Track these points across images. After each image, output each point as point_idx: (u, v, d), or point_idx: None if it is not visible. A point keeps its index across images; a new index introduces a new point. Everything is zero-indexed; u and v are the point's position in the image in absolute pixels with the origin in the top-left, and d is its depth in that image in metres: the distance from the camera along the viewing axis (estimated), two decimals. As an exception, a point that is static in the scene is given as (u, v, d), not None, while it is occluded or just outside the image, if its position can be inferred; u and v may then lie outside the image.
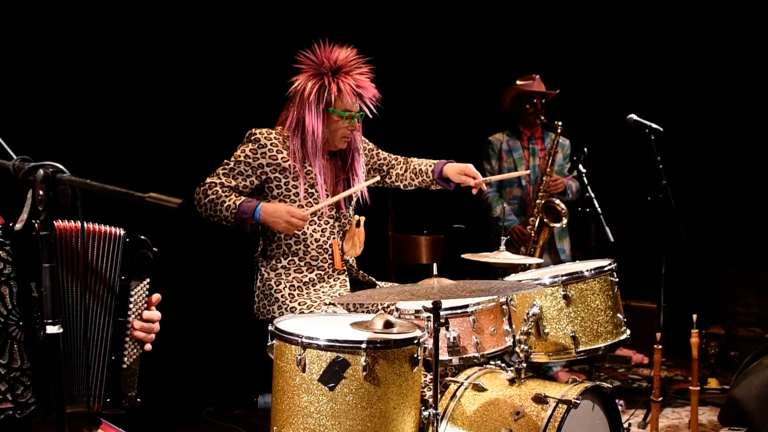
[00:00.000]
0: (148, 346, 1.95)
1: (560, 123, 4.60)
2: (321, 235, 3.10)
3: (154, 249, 1.91)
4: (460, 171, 3.27)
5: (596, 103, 5.70)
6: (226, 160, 3.05)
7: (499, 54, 5.63)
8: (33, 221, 1.67)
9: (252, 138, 3.07)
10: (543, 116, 4.66)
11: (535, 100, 4.68)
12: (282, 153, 3.05)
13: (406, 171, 3.39)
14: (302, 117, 3.04)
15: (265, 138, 3.05)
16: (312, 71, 3.05)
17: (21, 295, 1.69)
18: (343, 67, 3.03)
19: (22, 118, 3.36)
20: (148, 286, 1.92)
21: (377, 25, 5.04)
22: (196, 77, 4.31)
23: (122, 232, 1.83)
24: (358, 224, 3.18)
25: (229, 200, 2.93)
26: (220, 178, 3.00)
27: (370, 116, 3.13)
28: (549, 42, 5.78)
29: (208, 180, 3.00)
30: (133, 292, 1.88)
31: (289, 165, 3.04)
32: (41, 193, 1.50)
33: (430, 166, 3.35)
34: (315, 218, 3.08)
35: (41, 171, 1.49)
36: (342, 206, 3.16)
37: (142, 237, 1.88)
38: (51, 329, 1.49)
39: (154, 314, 1.97)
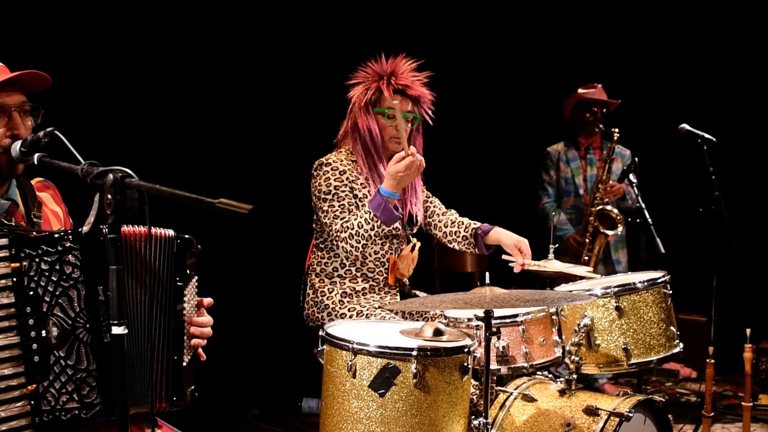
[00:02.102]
0: (201, 351, 1.99)
1: (617, 130, 4.56)
2: (380, 248, 3.10)
3: (199, 247, 1.95)
4: (517, 243, 3.04)
5: (647, 113, 5.62)
6: (327, 206, 2.97)
7: (557, 64, 5.60)
8: (100, 225, 1.72)
9: (326, 167, 3.02)
10: (602, 125, 4.62)
11: (595, 109, 4.66)
12: (359, 178, 3.04)
13: (439, 220, 3.28)
14: (355, 122, 3.07)
15: (338, 163, 3.02)
16: (366, 80, 3.09)
17: (88, 299, 1.74)
18: (395, 71, 3.05)
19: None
20: (196, 284, 1.96)
21: (434, 34, 5.05)
22: (197, 76, 4.30)
23: (172, 233, 1.87)
24: (413, 248, 3.15)
25: (360, 217, 2.86)
26: (344, 218, 2.94)
27: (429, 121, 3.11)
28: (607, 52, 5.73)
29: (337, 227, 2.91)
30: (185, 291, 1.92)
31: (365, 188, 3.03)
32: (109, 197, 1.53)
33: (471, 225, 3.18)
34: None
35: (110, 175, 1.53)
36: (401, 226, 3.12)
37: (188, 236, 1.92)
38: (116, 330, 1.52)
39: (207, 319, 2.01)
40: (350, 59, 3.20)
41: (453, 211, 3.32)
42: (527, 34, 5.59)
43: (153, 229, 1.83)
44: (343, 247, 2.89)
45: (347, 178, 3.02)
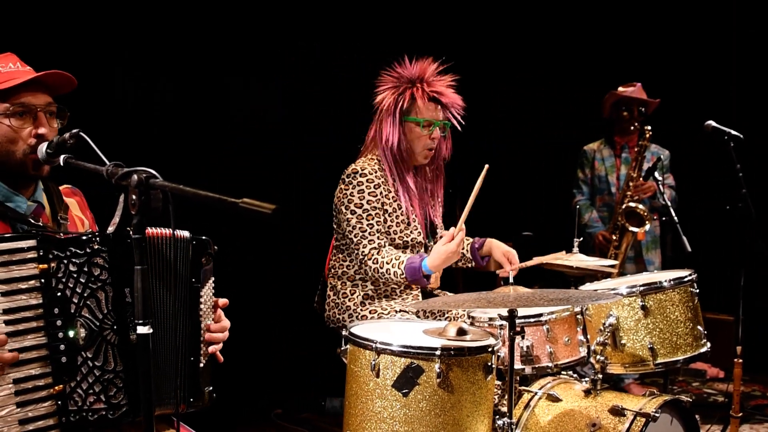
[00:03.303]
0: (219, 357, 2.00)
1: (649, 128, 4.53)
2: (402, 255, 3.08)
3: (216, 248, 1.95)
4: (506, 252, 3.07)
5: (672, 110, 5.56)
6: (355, 219, 2.95)
7: (594, 63, 5.57)
8: (125, 227, 1.73)
9: (361, 177, 2.97)
10: (638, 125, 4.61)
11: (633, 108, 4.64)
12: (392, 191, 3.01)
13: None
14: (380, 129, 3.02)
15: (373, 174, 2.98)
16: (393, 84, 3.03)
17: (115, 300, 1.76)
18: (424, 76, 2.99)
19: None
20: (213, 286, 1.97)
21: (471, 34, 5.03)
22: (196, 75, 4.28)
23: (188, 234, 1.87)
24: None
25: (393, 267, 2.88)
26: (372, 242, 2.94)
27: (459, 127, 3.07)
28: (632, 49, 5.69)
29: (365, 251, 2.93)
30: (202, 293, 1.93)
31: (395, 201, 3.00)
32: (134, 197, 1.54)
33: (470, 239, 3.22)
34: (403, 248, 3.05)
35: (135, 176, 1.54)
36: (424, 233, 3.11)
37: (204, 238, 1.92)
38: (141, 329, 1.53)
39: (223, 324, 2.01)
40: (350, 59, 3.17)
41: None
42: (527, 34, 5.56)
43: (168, 231, 1.84)
44: (365, 269, 2.96)
45: (381, 193, 2.98)
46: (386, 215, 3.00)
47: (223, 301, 2.03)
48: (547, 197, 5.51)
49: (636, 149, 4.59)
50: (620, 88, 4.71)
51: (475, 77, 5.41)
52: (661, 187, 3.84)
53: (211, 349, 1.96)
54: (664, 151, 4.72)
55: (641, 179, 4.52)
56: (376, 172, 2.99)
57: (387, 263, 2.89)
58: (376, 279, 2.99)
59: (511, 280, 2.57)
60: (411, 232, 3.04)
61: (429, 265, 2.83)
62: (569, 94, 5.58)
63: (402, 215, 3.01)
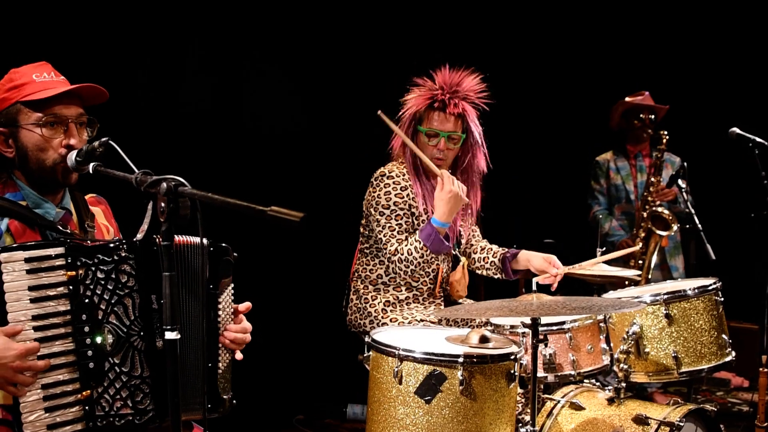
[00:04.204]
0: (239, 356, 2.01)
1: (665, 133, 4.52)
2: (432, 264, 3.08)
3: (235, 254, 1.96)
4: (546, 258, 3.06)
5: (696, 117, 5.52)
6: (383, 220, 2.97)
7: (603, 73, 5.55)
8: (152, 234, 1.75)
9: (388, 179, 3.00)
10: (651, 131, 4.63)
11: (642, 116, 4.65)
12: (418, 194, 3.02)
13: (476, 244, 3.31)
14: (398, 135, 3.03)
15: (401, 177, 3.00)
16: (419, 91, 3.03)
17: (143, 307, 1.78)
18: (450, 86, 2.99)
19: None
20: (232, 292, 1.98)
21: (476, 43, 5.03)
22: (219, 81, 4.25)
23: (207, 241, 1.88)
24: (463, 266, 3.14)
25: (411, 245, 2.89)
26: (400, 241, 2.95)
27: (479, 140, 3.05)
28: (652, 57, 5.66)
29: (391, 249, 2.93)
30: (220, 299, 1.94)
31: (422, 205, 3.01)
32: (163, 205, 1.56)
33: (502, 249, 3.22)
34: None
35: (164, 184, 1.56)
36: (452, 239, 3.11)
37: (224, 245, 1.93)
38: (169, 335, 1.55)
39: (246, 325, 2.02)
40: (376, 64, 3.17)
41: (485, 241, 3.34)
42: (526, 35, 5.54)
43: (188, 238, 1.85)
44: (393, 268, 2.96)
45: (408, 195, 3.00)
46: (414, 218, 3.02)
47: (245, 305, 2.04)
48: (564, 207, 5.47)
49: (655, 154, 4.59)
50: (628, 98, 4.73)
51: (580, 97, 5.46)
52: (684, 194, 3.82)
53: (228, 343, 1.95)
54: (675, 158, 4.73)
55: (662, 185, 4.52)
56: (403, 175, 3.02)
57: (406, 247, 2.90)
58: (405, 277, 2.98)
59: (534, 288, 2.57)
60: None
61: (438, 218, 2.85)
62: (580, 103, 5.55)
63: (427, 218, 3.02)
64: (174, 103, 3.83)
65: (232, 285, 1.97)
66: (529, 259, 3.11)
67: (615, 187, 4.74)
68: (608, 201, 4.79)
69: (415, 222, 3.02)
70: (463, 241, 3.24)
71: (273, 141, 4.20)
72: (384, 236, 2.97)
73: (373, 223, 3.02)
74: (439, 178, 2.87)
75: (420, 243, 2.87)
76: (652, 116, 4.65)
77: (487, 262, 3.24)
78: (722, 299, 2.83)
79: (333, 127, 4.46)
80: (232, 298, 1.99)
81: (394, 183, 3.00)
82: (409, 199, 3.00)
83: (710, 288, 2.80)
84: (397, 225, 2.97)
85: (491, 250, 3.25)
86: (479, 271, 3.29)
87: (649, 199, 4.53)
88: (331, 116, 4.46)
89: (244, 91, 4.24)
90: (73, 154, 1.87)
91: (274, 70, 4.31)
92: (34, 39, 3.19)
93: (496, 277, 3.25)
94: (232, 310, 1.99)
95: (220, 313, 1.94)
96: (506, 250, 3.22)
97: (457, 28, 5.02)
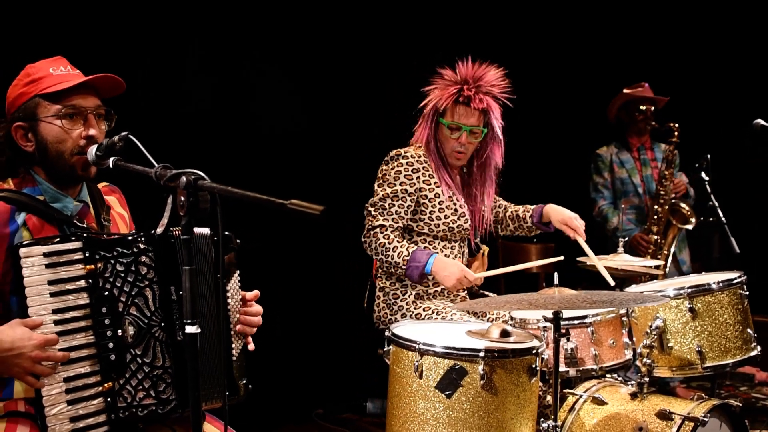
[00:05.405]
0: (251, 345, 2.02)
1: (677, 125, 4.46)
2: (450, 252, 3.07)
3: (238, 242, 1.97)
4: (563, 221, 3.13)
5: (719, 109, 5.45)
6: (382, 192, 2.97)
7: (604, 65, 5.49)
8: (172, 227, 1.76)
9: (402, 159, 3.00)
10: (654, 123, 4.57)
11: (643, 107, 4.59)
12: (434, 177, 3.01)
13: (504, 216, 3.35)
14: (420, 125, 3.04)
15: (415, 159, 2.99)
16: (443, 83, 3.02)
17: (162, 298, 1.79)
18: (473, 79, 2.97)
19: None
20: (239, 279, 1.99)
21: (476, 41, 4.99)
22: (230, 78, 4.22)
23: (209, 231, 1.88)
24: (483, 253, 3.16)
25: (402, 247, 2.90)
26: (387, 220, 2.95)
27: (500, 136, 3.05)
28: (658, 48, 5.59)
29: (376, 223, 2.95)
30: (228, 287, 1.95)
31: (438, 187, 3.01)
32: (182, 199, 1.56)
33: (528, 212, 3.27)
34: (447, 240, 3.06)
35: (183, 178, 1.55)
36: (471, 235, 3.14)
37: (226, 233, 1.94)
38: (190, 329, 1.55)
39: (256, 308, 2.04)
40: (389, 58, 3.15)
41: (510, 205, 3.39)
42: (527, 35, 5.49)
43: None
44: (368, 241, 2.96)
45: (418, 178, 2.98)
46: (427, 200, 3.00)
47: (253, 293, 2.05)
48: (563, 201, 5.43)
49: (667, 147, 4.55)
50: (627, 90, 4.67)
51: (579, 90, 5.41)
52: (708, 186, 3.77)
53: (243, 330, 1.98)
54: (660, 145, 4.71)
55: (676, 179, 4.50)
56: (418, 157, 3.01)
57: (398, 245, 2.89)
58: (372, 253, 2.99)
59: (555, 281, 2.54)
60: (458, 218, 3.04)
61: (433, 267, 2.85)
62: (580, 96, 5.50)
63: (447, 201, 3.01)
64: (174, 103, 3.83)
65: (238, 272, 1.99)
66: (550, 215, 3.19)
67: (621, 181, 4.67)
68: (613, 195, 4.71)
69: (429, 204, 3.00)
70: (487, 224, 3.23)
71: (273, 141, 4.19)
72: (375, 209, 2.98)
73: (373, 194, 3.01)
74: (475, 277, 2.88)
75: (408, 257, 2.87)
76: (653, 108, 4.59)
77: (525, 226, 3.31)
78: (747, 293, 2.79)
79: (333, 127, 4.44)
80: (239, 284, 2.00)
81: (407, 164, 2.99)
82: (419, 182, 2.99)
83: (735, 282, 2.77)
84: (390, 206, 2.96)
85: (525, 212, 3.30)
86: (516, 232, 3.36)
87: (662, 192, 4.47)
88: (331, 116, 4.45)
89: (244, 91, 4.24)
90: (93, 149, 1.87)
91: (274, 70, 4.29)
92: (34, 39, 3.20)
93: (532, 234, 3.33)
94: (240, 296, 2.00)
95: (229, 300, 1.95)
96: (532, 210, 3.28)
97: (456, 25, 4.98)
